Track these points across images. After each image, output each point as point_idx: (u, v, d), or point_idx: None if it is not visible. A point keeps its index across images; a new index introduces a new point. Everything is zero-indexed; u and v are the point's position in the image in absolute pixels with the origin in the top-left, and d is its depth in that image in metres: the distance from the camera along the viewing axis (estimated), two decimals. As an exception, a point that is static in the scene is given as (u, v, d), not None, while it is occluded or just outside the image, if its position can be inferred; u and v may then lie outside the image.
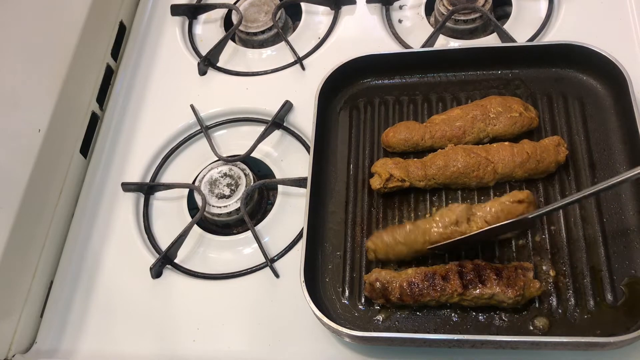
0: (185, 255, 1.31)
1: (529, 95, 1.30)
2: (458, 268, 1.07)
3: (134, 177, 1.42)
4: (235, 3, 1.62)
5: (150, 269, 1.26)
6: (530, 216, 1.08)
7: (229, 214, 1.32)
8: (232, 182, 1.35)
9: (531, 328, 1.06)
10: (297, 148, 1.40)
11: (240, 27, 1.57)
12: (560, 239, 1.14)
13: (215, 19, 1.65)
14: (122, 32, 1.64)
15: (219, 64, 1.56)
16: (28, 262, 1.29)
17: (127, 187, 1.39)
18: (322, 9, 1.60)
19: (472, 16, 1.45)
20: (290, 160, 1.39)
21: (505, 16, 1.51)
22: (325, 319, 1.06)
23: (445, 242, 1.11)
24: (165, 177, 1.44)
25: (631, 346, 1.01)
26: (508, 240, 1.14)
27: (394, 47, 1.47)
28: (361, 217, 1.23)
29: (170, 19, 1.65)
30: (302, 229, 1.16)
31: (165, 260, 1.28)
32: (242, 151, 1.39)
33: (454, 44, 1.46)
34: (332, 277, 1.17)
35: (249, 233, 1.28)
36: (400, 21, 1.54)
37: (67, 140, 1.42)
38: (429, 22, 1.52)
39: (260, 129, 1.40)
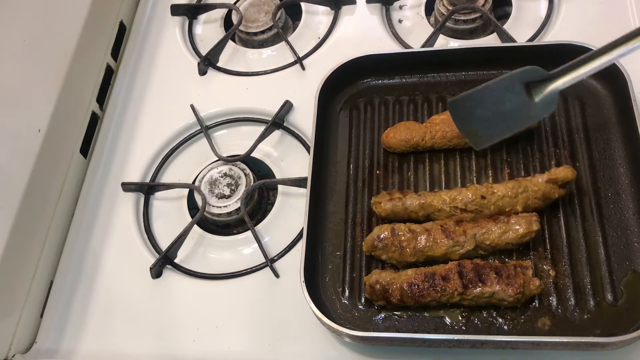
0: (185, 255, 1.31)
1: (529, 95, 1.30)
2: (458, 268, 1.08)
3: (134, 177, 1.42)
4: (235, 3, 1.62)
5: (150, 269, 1.26)
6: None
7: (229, 214, 1.32)
8: (232, 182, 1.35)
9: (531, 328, 1.06)
10: (297, 148, 1.40)
11: (240, 27, 1.57)
12: (560, 239, 1.14)
13: (215, 19, 1.65)
14: (122, 32, 1.64)
15: (219, 64, 1.56)
16: (28, 262, 1.29)
17: (127, 187, 1.39)
18: (322, 9, 1.60)
19: (472, 16, 1.45)
20: (290, 160, 1.39)
21: (505, 16, 1.51)
22: (325, 319, 1.06)
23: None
24: (165, 177, 1.44)
25: (631, 346, 1.02)
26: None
27: (394, 47, 1.47)
28: (361, 217, 1.23)
29: (170, 19, 1.65)
30: (302, 229, 1.16)
31: (165, 260, 1.28)
32: (242, 151, 1.39)
33: (454, 44, 1.46)
34: (332, 277, 1.17)
35: (249, 233, 1.28)
36: (400, 21, 1.54)
37: (67, 140, 1.42)
38: (429, 22, 1.52)
39: (260, 129, 1.40)
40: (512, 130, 1.12)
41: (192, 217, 1.35)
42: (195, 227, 1.32)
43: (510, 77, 1.02)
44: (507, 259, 1.13)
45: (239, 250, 1.30)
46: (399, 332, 1.10)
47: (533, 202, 1.14)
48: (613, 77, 1.22)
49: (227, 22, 1.64)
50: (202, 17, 1.67)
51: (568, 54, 1.26)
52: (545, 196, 1.13)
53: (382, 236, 1.13)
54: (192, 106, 1.47)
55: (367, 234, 1.17)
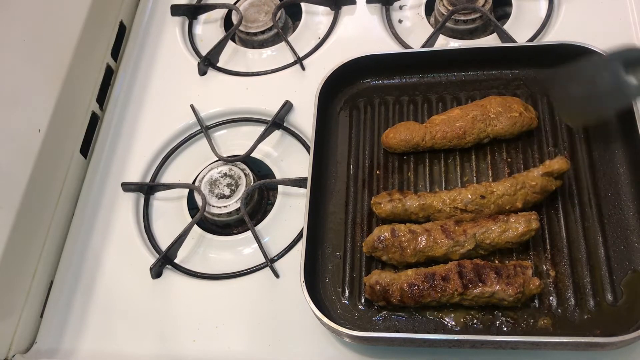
0: (185, 255, 1.31)
1: (529, 95, 1.30)
2: (458, 268, 1.08)
3: (134, 177, 1.42)
4: (235, 3, 1.62)
5: (150, 269, 1.26)
6: None
7: (229, 214, 1.32)
8: (232, 182, 1.35)
9: (531, 328, 1.06)
10: (297, 148, 1.40)
11: (240, 27, 1.57)
12: (560, 239, 1.14)
13: (215, 19, 1.65)
14: (122, 32, 1.64)
15: (219, 64, 1.56)
16: (28, 262, 1.28)
17: (127, 187, 1.39)
18: (322, 9, 1.60)
19: (472, 16, 1.45)
20: (290, 160, 1.39)
21: (505, 16, 1.51)
22: (325, 319, 1.06)
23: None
24: (165, 177, 1.44)
25: (631, 346, 1.02)
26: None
27: (394, 47, 1.47)
28: (361, 217, 1.23)
29: (170, 19, 1.65)
30: (302, 229, 1.16)
31: (165, 260, 1.28)
32: (242, 151, 1.39)
33: (454, 44, 1.46)
34: (332, 277, 1.17)
35: (249, 233, 1.28)
36: (400, 21, 1.54)
37: (67, 140, 1.42)
38: (429, 22, 1.52)
39: (260, 129, 1.40)
40: (607, 110, 1.09)
41: (192, 217, 1.35)
42: (195, 227, 1.32)
43: (608, 56, 1.00)
44: (507, 259, 1.13)
45: (239, 250, 1.30)
46: (399, 332, 1.10)
47: (532, 197, 1.14)
48: (613, 77, 1.22)
49: (227, 22, 1.64)
50: (202, 17, 1.67)
51: (568, 54, 1.27)
52: (543, 189, 1.14)
53: (382, 237, 1.13)
54: (192, 106, 1.47)
55: (367, 234, 1.18)
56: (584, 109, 1.11)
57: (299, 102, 1.43)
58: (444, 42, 1.46)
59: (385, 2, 1.55)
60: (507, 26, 1.44)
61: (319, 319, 1.07)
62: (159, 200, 1.40)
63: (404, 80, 1.38)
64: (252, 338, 1.19)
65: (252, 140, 1.38)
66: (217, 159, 1.40)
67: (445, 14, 1.45)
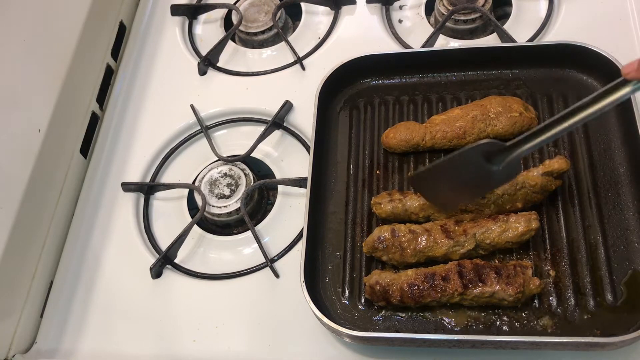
0: (185, 255, 1.31)
1: (529, 95, 1.30)
2: (458, 268, 1.08)
3: (134, 177, 1.42)
4: (235, 3, 1.62)
5: (150, 269, 1.26)
6: (507, 144, 1.02)
7: (229, 214, 1.32)
8: (232, 182, 1.35)
9: (531, 328, 1.06)
10: (297, 148, 1.40)
11: (240, 27, 1.57)
12: (560, 239, 1.14)
13: (215, 19, 1.65)
14: (122, 32, 1.64)
15: (219, 64, 1.56)
16: (28, 262, 1.28)
17: (127, 187, 1.39)
18: (322, 9, 1.60)
19: (472, 16, 1.45)
20: (290, 160, 1.39)
21: (505, 16, 1.51)
22: (325, 319, 1.06)
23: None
24: (165, 177, 1.44)
25: (631, 346, 1.02)
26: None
27: (394, 47, 1.47)
28: (361, 217, 1.23)
29: (170, 19, 1.65)
30: (302, 229, 1.16)
31: (165, 260, 1.28)
32: (242, 151, 1.39)
33: (454, 44, 1.46)
34: (332, 277, 1.17)
35: (249, 233, 1.29)
36: (400, 21, 1.54)
37: (67, 140, 1.42)
38: (429, 22, 1.52)
39: (260, 129, 1.40)
40: (477, 196, 1.14)
41: (192, 217, 1.35)
42: (195, 227, 1.32)
43: (468, 151, 1.05)
44: (507, 259, 1.13)
45: (239, 250, 1.30)
46: (399, 332, 1.10)
47: (532, 196, 1.14)
48: (613, 77, 1.21)
49: (227, 22, 1.64)
50: (202, 17, 1.67)
51: (568, 54, 1.27)
52: (543, 189, 1.14)
53: (382, 237, 1.13)
54: (192, 106, 1.47)
55: (367, 234, 1.18)
56: (453, 197, 1.14)
57: (299, 102, 1.43)
58: (444, 42, 1.46)
59: (385, 2, 1.55)
60: (507, 26, 1.44)
61: (319, 319, 1.07)
62: (159, 200, 1.40)
63: (404, 80, 1.38)
64: (252, 338, 1.19)
65: (252, 140, 1.38)
66: (217, 159, 1.40)
67: (445, 13, 1.45)
